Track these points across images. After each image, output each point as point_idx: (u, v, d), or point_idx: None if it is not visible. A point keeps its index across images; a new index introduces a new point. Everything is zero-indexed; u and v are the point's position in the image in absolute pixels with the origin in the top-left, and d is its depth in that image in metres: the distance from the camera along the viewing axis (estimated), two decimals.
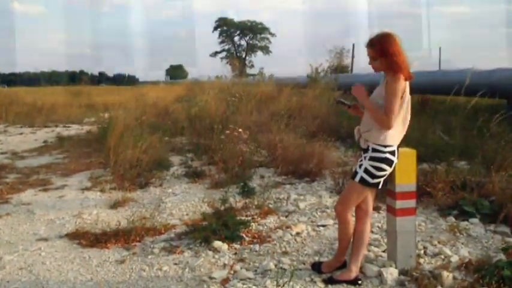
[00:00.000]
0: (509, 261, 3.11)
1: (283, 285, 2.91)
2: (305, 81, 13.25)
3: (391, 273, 3.07)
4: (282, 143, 6.77)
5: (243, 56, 63.61)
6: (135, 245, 3.91)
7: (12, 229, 4.45)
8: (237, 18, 66.39)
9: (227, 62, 39.94)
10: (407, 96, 2.90)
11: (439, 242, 3.69)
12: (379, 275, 3.10)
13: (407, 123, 2.97)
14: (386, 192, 3.26)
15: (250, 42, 66.36)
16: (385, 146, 2.89)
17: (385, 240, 3.60)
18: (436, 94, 10.80)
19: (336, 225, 3.64)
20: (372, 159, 2.91)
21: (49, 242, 4.06)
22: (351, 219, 3.14)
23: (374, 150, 2.91)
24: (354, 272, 3.07)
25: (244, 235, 3.97)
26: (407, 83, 2.88)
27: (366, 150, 2.98)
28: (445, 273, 3.02)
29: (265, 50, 65.76)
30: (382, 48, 2.85)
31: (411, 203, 3.16)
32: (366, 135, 2.96)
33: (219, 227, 3.94)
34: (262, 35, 65.63)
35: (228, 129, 6.81)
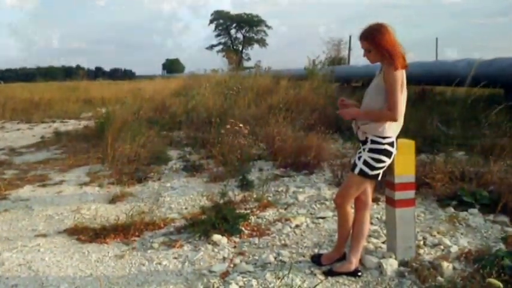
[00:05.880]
0: (508, 250, 3.12)
1: (283, 278, 2.91)
2: (302, 74, 13.21)
3: (391, 265, 3.07)
4: (280, 135, 6.76)
5: (240, 49, 63.35)
6: (134, 239, 3.91)
7: (11, 225, 4.43)
8: (233, 11, 66.13)
9: (224, 55, 39.76)
10: (404, 86, 2.88)
11: (438, 233, 3.70)
12: (379, 266, 3.11)
13: (403, 113, 2.95)
14: (385, 184, 3.25)
15: (247, 35, 66.09)
16: (384, 138, 2.88)
17: (385, 231, 3.60)
18: (433, 85, 10.79)
19: (335, 217, 3.64)
20: (371, 151, 2.90)
21: (48, 238, 4.05)
22: (351, 211, 3.14)
23: (373, 142, 2.90)
24: (353, 263, 3.07)
25: (243, 228, 3.97)
26: (404, 72, 2.86)
27: (364, 142, 2.96)
28: (444, 264, 3.03)
29: (262, 42, 65.54)
30: (374, 39, 2.84)
31: (410, 194, 3.16)
32: (364, 128, 2.94)
33: (218, 221, 3.93)
34: (259, 28, 65.36)
35: (228, 124, 6.79)
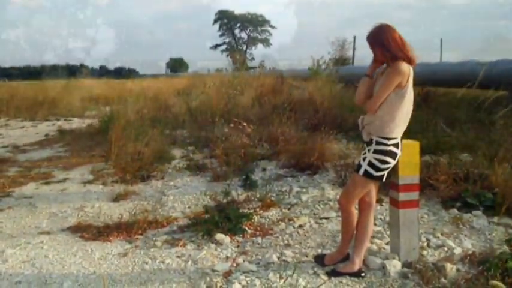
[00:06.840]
0: None
1: (286, 278, 2.90)
2: (307, 74, 13.18)
3: (395, 266, 3.07)
4: (283, 135, 6.76)
5: (244, 48, 63.37)
6: (137, 238, 3.91)
7: (15, 222, 4.45)
8: (237, 11, 66.14)
9: (228, 55, 39.85)
10: (411, 85, 2.86)
11: (442, 234, 3.69)
12: (382, 267, 3.10)
13: (410, 114, 2.94)
14: (389, 185, 3.24)
15: (251, 35, 66.13)
16: (389, 139, 2.87)
17: (388, 232, 3.59)
18: (437, 86, 10.76)
19: (339, 218, 3.64)
20: (375, 152, 2.89)
21: (51, 235, 4.06)
22: (354, 211, 3.13)
23: (378, 143, 2.89)
24: (357, 264, 3.07)
25: (246, 228, 3.97)
26: (412, 70, 2.85)
27: (369, 143, 2.96)
28: (448, 266, 3.02)
29: (266, 42, 65.59)
30: (376, 40, 2.88)
31: (414, 195, 3.15)
32: (369, 128, 2.94)
33: (221, 220, 3.94)
34: (263, 28, 65.41)
35: (232, 123, 6.79)
